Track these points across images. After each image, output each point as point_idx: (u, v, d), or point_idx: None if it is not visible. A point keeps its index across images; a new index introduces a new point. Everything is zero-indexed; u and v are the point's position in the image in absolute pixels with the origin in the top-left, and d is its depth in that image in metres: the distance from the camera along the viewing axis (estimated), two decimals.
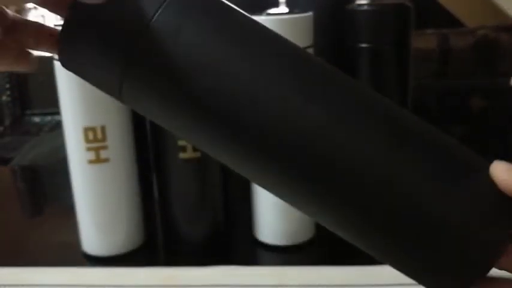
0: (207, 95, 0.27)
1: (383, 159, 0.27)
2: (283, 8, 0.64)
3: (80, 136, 0.55)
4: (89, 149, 0.55)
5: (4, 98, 1.26)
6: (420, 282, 0.29)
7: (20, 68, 0.33)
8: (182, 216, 0.59)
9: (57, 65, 0.54)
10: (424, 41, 0.78)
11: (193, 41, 0.27)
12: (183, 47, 0.27)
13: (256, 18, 0.29)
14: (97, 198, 0.57)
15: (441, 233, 0.27)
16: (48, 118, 1.28)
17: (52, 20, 0.73)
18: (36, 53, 0.33)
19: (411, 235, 0.27)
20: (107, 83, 0.30)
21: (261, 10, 0.55)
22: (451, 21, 0.87)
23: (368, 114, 0.28)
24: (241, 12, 0.30)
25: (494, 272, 0.28)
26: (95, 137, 0.55)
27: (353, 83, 0.29)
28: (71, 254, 0.61)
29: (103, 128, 0.55)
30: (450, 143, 0.28)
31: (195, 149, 0.55)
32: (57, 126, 1.21)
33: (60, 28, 0.29)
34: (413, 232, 0.27)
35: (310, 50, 0.55)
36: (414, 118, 0.29)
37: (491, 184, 0.27)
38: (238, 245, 0.64)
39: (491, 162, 0.28)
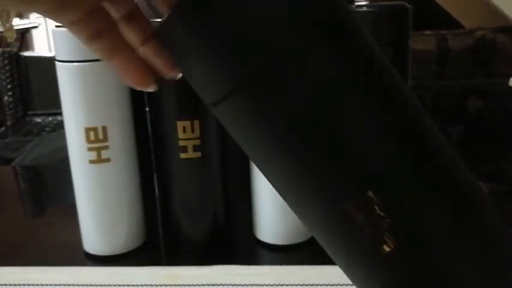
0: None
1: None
2: None
3: (82, 136, 0.55)
4: (90, 149, 0.56)
5: (6, 98, 1.27)
6: None
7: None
8: (183, 216, 0.59)
9: (59, 65, 0.55)
10: (422, 42, 0.78)
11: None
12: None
13: None
14: (98, 198, 0.58)
15: None
16: (50, 119, 1.29)
17: None
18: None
19: None
20: (206, 88, 0.26)
21: None
22: (449, 22, 0.87)
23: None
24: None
25: None
26: (96, 137, 0.55)
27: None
28: (72, 254, 0.61)
29: (104, 128, 0.55)
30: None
31: (195, 149, 0.55)
32: (59, 126, 1.22)
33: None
34: None
35: None
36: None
37: None
38: (238, 245, 0.64)
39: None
